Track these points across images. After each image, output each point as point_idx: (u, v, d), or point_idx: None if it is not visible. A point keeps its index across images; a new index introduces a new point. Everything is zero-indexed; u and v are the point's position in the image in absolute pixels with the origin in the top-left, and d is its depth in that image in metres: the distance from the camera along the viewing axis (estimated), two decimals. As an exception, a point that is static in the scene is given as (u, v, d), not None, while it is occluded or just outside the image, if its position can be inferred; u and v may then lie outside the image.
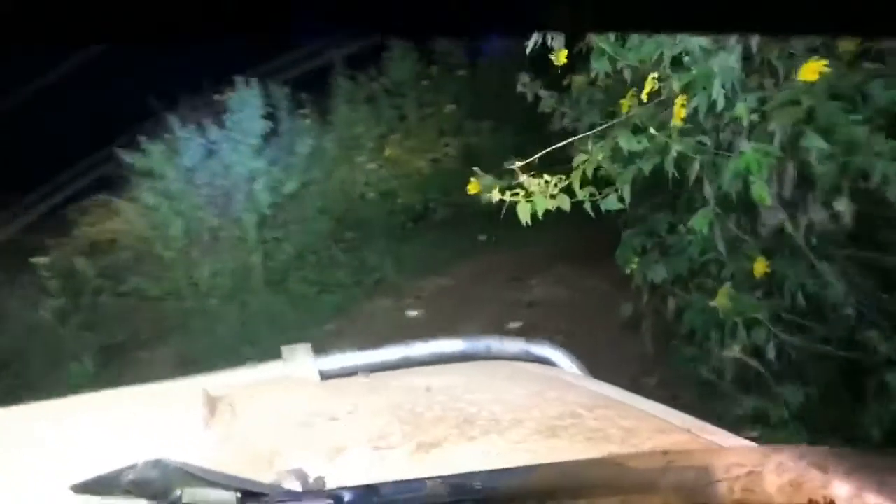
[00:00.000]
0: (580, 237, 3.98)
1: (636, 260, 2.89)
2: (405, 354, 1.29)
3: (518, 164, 2.24)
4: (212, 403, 1.01)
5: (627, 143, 2.28)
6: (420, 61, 6.22)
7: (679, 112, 2.14)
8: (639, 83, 2.28)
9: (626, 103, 2.37)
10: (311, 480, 0.82)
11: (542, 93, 2.83)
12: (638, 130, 2.31)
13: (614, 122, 2.36)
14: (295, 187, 5.32)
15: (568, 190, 2.31)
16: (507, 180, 2.33)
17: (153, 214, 5.09)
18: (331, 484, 0.82)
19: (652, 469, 0.74)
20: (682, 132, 2.23)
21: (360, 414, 1.03)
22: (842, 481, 0.66)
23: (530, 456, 0.91)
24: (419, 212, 5.67)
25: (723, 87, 2.07)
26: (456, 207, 5.57)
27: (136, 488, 0.67)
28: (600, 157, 2.32)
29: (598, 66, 2.32)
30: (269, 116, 5.25)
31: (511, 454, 0.92)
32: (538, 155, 2.31)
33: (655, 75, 2.17)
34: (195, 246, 5.10)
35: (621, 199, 2.37)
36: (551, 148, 2.35)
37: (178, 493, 0.68)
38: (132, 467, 0.68)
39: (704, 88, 2.10)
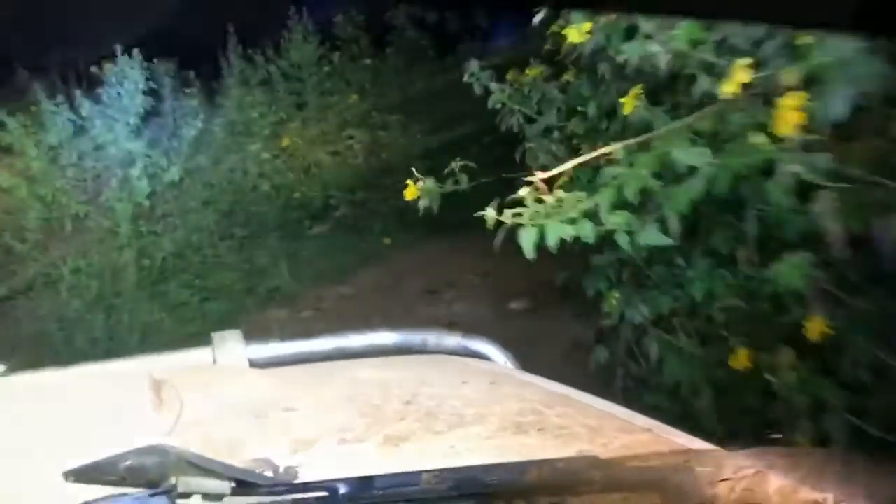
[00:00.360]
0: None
1: (616, 294, 2.50)
2: (338, 345, 1.35)
3: (540, 175, 1.90)
4: (157, 388, 1.02)
5: (686, 155, 1.85)
6: (322, 45, 6.20)
7: (790, 117, 1.65)
8: (676, 74, 1.97)
9: (629, 101, 2.07)
10: (281, 470, 0.85)
11: (494, 86, 2.66)
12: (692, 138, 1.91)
13: (671, 126, 1.96)
14: (177, 175, 5.20)
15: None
16: (449, 185, 2.24)
17: (7, 197, 4.88)
18: (303, 475, 0.85)
19: (657, 468, 0.82)
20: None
21: (317, 405, 1.07)
22: (834, 485, 0.76)
23: (501, 452, 0.97)
24: (318, 209, 5.63)
25: (853, 85, 1.56)
26: (358, 206, 5.59)
27: (131, 475, 0.70)
28: (644, 171, 1.92)
29: (632, 52, 1.97)
30: (152, 93, 5.12)
31: (481, 450, 0.98)
32: (569, 164, 1.99)
33: (749, 61, 1.73)
34: (56, 237, 4.91)
35: (666, 231, 1.96)
36: (584, 158, 2.02)
37: (172, 480, 0.71)
38: (129, 454, 0.71)
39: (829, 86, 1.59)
